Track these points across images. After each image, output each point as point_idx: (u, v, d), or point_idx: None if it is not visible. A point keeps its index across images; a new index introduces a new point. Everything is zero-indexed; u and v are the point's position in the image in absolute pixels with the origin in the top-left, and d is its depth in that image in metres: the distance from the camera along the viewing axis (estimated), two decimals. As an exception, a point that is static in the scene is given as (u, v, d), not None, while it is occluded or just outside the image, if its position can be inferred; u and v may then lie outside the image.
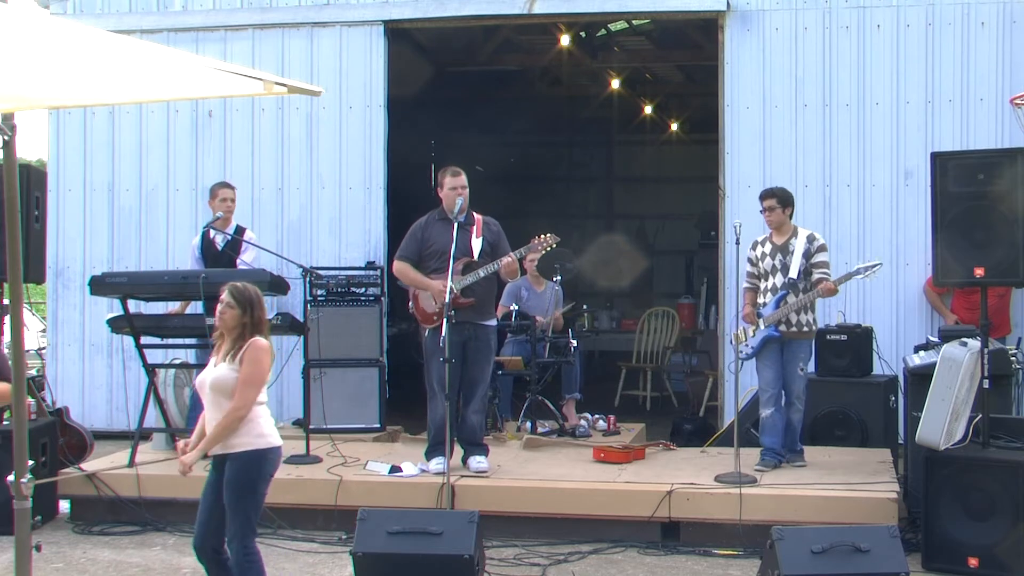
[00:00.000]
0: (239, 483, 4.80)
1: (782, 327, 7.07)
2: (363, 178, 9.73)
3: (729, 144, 9.23)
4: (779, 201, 7.17)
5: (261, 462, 4.86)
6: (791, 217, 7.26)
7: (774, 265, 7.16)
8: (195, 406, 7.02)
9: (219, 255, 8.08)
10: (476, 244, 7.07)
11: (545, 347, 8.74)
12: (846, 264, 8.03)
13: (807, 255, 7.09)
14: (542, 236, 7.28)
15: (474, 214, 7.16)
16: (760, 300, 7.21)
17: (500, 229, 7.27)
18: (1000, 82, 8.78)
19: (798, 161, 9.09)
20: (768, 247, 7.23)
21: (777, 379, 7.13)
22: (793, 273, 7.07)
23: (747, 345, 7.16)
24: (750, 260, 7.34)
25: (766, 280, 7.20)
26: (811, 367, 8.14)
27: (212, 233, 8.13)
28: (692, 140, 16.28)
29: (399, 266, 7.19)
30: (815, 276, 7.07)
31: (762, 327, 7.06)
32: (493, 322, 7.33)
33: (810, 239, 7.15)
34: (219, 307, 4.88)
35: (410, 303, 7.24)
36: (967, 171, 6.02)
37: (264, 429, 4.90)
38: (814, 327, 7.25)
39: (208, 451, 4.83)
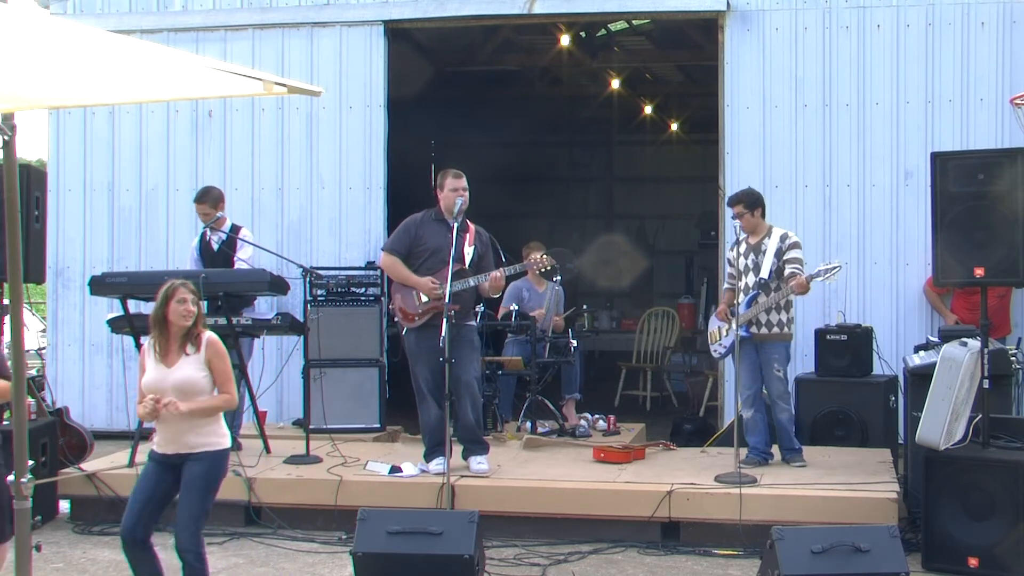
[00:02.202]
0: (206, 481, 4.86)
1: (753, 328, 7.02)
2: (363, 178, 9.73)
3: (729, 144, 9.22)
4: (745, 206, 7.11)
5: (223, 461, 4.95)
6: (764, 216, 7.23)
7: (747, 265, 7.13)
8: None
9: (216, 255, 8.07)
10: (468, 252, 7.05)
11: (545, 347, 8.74)
12: (846, 264, 8.04)
13: (779, 254, 7.05)
14: (536, 257, 7.49)
15: (468, 221, 7.12)
16: (737, 300, 7.17)
17: (489, 242, 7.26)
18: (1000, 82, 8.77)
19: (798, 161, 9.09)
20: (743, 247, 7.19)
21: (754, 380, 7.12)
22: (764, 273, 7.04)
23: (720, 344, 7.23)
24: (729, 260, 7.36)
25: (741, 280, 7.15)
26: (811, 367, 8.16)
27: (208, 234, 8.12)
28: (692, 140, 16.28)
29: (388, 260, 7.15)
30: (787, 273, 7.00)
31: (734, 327, 6.99)
32: (474, 322, 7.40)
33: (783, 238, 7.11)
34: (182, 306, 4.86)
35: (391, 303, 7.22)
36: (967, 171, 6.01)
37: (224, 429, 4.99)
38: (788, 328, 7.10)
39: (192, 415, 4.77)
